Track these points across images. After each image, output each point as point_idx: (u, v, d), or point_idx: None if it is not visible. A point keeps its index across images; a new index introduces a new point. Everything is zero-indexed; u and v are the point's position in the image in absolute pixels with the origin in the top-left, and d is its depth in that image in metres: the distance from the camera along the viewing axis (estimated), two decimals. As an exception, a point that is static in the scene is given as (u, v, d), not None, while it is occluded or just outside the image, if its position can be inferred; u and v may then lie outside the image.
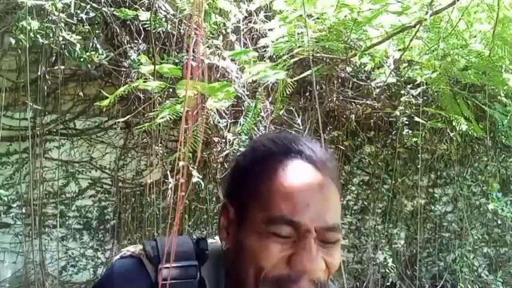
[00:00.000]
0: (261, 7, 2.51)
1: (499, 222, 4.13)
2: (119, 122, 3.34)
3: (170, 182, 2.99)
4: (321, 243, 0.70)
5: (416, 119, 2.82)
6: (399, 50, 2.32)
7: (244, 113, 2.49)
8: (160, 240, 0.78)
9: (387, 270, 3.47)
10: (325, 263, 0.70)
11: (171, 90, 2.35)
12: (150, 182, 3.55)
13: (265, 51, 2.43)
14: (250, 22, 2.61)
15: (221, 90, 1.72)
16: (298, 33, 2.12)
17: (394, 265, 3.51)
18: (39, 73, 3.21)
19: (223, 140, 2.77)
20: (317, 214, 0.70)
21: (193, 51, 2.52)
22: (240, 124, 2.46)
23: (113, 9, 2.70)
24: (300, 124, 2.92)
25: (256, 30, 2.59)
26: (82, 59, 2.66)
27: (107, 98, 2.12)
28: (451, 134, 3.38)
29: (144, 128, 2.42)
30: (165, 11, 2.64)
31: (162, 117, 2.01)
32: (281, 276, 0.69)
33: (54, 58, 3.25)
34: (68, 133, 3.67)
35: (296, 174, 0.72)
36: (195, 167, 2.55)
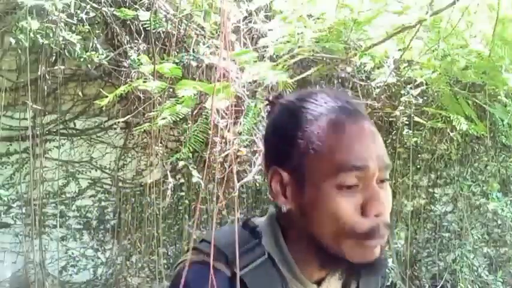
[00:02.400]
0: (261, 7, 2.51)
1: (499, 222, 4.13)
2: (118, 122, 3.34)
3: (170, 182, 2.99)
4: (378, 184, 0.76)
5: (416, 119, 2.82)
6: (399, 50, 2.32)
7: (244, 113, 2.49)
8: (207, 238, 0.79)
9: (387, 270, 3.47)
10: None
11: (171, 90, 2.35)
12: (150, 182, 3.54)
13: (265, 51, 2.43)
14: (250, 22, 2.61)
15: (221, 91, 1.72)
16: (298, 33, 2.12)
17: (394, 265, 3.50)
18: (39, 73, 3.21)
19: (223, 140, 2.77)
20: (377, 156, 0.76)
21: (193, 51, 2.52)
22: (240, 124, 2.46)
23: (113, 9, 2.70)
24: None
25: (256, 30, 2.59)
26: (82, 59, 2.66)
27: (106, 97, 2.12)
28: (451, 134, 3.38)
29: (144, 128, 2.42)
30: (165, 11, 2.63)
31: (163, 118, 2.01)
32: (364, 229, 0.74)
33: (54, 58, 3.25)
34: (68, 133, 3.67)
35: (351, 128, 0.77)
36: (195, 167, 2.55)
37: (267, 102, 0.91)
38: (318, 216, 0.76)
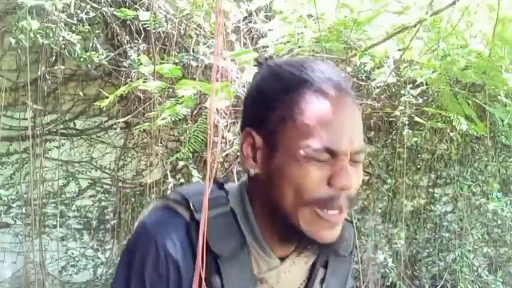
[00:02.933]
0: (261, 7, 2.51)
1: (499, 222, 4.12)
2: (118, 122, 3.34)
3: (170, 182, 2.99)
4: (351, 163, 0.75)
5: (416, 119, 2.81)
6: (399, 50, 2.32)
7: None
8: (178, 189, 0.84)
9: (387, 270, 3.46)
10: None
11: (171, 90, 2.35)
12: (150, 182, 3.54)
13: (265, 51, 2.43)
14: (250, 22, 2.61)
15: (221, 91, 1.72)
16: (298, 33, 2.12)
17: (394, 265, 3.50)
18: (39, 73, 3.21)
19: (223, 140, 2.77)
20: (351, 140, 0.74)
21: (193, 51, 2.52)
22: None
23: (113, 9, 2.70)
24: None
25: (256, 30, 2.59)
26: (82, 59, 2.65)
27: (107, 97, 2.12)
28: (451, 134, 3.38)
29: (144, 128, 2.42)
30: (165, 11, 2.63)
31: (163, 119, 2.01)
32: (323, 196, 0.74)
33: (54, 58, 3.25)
34: (68, 133, 3.67)
35: (333, 103, 0.75)
36: (195, 167, 2.55)
37: (259, 62, 0.87)
38: (282, 183, 0.75)
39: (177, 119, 2.12)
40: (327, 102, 0.75)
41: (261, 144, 0.78)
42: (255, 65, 0.92)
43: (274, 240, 0.81)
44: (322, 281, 0.88)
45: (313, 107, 0.75)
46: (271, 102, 0.78)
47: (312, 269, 0.87)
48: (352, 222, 0.95)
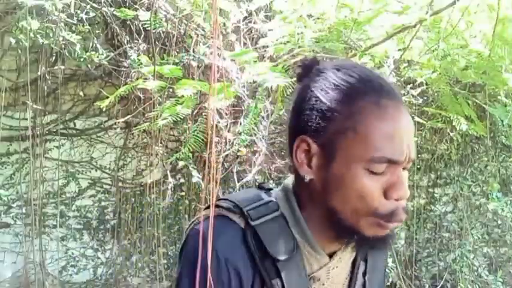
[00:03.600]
0: (261, 7, 2.51)
1: (499, 222, 4.13)
2: (118, 122, 3.34)
3: (170, 182, 2.99)
4: (403, 170, 0.79)
5: (416, 119, 2.81)
6: (399, 50, 2.32)
7: (244, 113, 2.49)
8: (227, 197, 0.85)
9: (387, 270, 3.46)
10: None
11: (171, 90, 2.35)
12: (150, 182, 3.54)
13: (265, 51, 2.43)
14: (250, 22, 2.61)
15: (222, 91, 1.72)
16: (298, 33, 2.12)
17: (394, 265, 3.50)
18: (39, 73, 3.21)
19: (223, 140, 2.77)
20: (409, 149, 0.77)
21: (193, 51, 2.52)
22: (240, 124, 2.46)
23: (113, 9, 2.70)
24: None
25: (256, 30, 2.59)
26: (82, 59, 2.65)
27: (107, 97, 2.12)
28: (451, 134, 3.38)
29: (144, 128, 2.42)
30: (165, 11, 2.63)
31: (164, 119, 2.01)
32: (384, 211, 0.77)
33: (54, 58, 3.25)
34: (68, 133, 3.67)
35: (391, 113, 0.77)
36: (195, 167, 2.55)
37: (300, 65, 0.88)
38: (342, 192, 0.78)
39: (178, 119, 2.12)
40: (387, 113, 0.77)
41: (317, 152, 0.80)
42: (299, 66, 0.91)
43: (323, 239, 0.84)
44: (364, 274, 0.91)
45: (373, 119, 0.76)
46: (331, 112, 0.79)
47: (354, 263, 0.90)
48: None
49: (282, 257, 0.79)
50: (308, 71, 0.86)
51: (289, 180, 0.88)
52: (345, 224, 0.79)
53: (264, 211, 0.81)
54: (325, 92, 0.81)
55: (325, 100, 0.80)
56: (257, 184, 0.91)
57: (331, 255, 0.86)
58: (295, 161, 0.82)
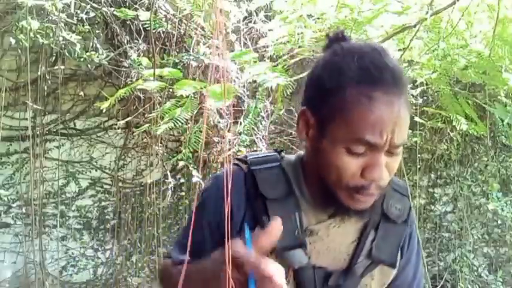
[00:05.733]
0: (261, 7, 2.51)
1: (499, 222, 4.12)
2: (119, 122, 3.33)
3: (170, 182, 2.99)
4: (387, 154, 0.85)
5: (416, 119, 2.82)
6: (399, 50, 2.32)
7: (244, 113, 2.49)
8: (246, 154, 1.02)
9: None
10: (388, 168, 0.86)
11: (171, 90, 2.35)
12: (150, 182, 3.54)
13: (265, 51, 2.43)
14: (250, 22, 2.61)
15: (222, 92, 1.72)
16: (298, 33, 2.12)
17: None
18: (39, 73, 3.21)
19: (223, 140, 2.77)
20: (391, 136, 0.83)
21: (193, 51, 2.52)
22: (240, 124, 2.46)
23: (113, 9, 2.70)
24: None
25: (256, 30, 2.59)
26: (82, 59, 2.65)
27: (106, 98, 2.12)
28: (451, 134, 3.38)
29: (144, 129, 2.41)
30: (165, 11, 2.64)
31: (165, 123, 2.01)
32: (356, 185, 0.85)
33: (54, 58, 3.25)
34: (68, 133, 3.67)
35: (382, 108, 0.82)
36: (195, 167, 2.55)
37: (328, 37, 0.95)
38: (327, 165, 0.86)
39: (179, 123, 2.11)
40: (375, 107, 0.82)
41: (314, 125, 0.90)
42: (327, 36, 0.98)
43: (321, 200, 0.92)
44: (373, 242, 0.96)
45: (362, 110, 0.82)
46: (328, 94, 0.86)
47: (364, 231, 0.96)
48: (408, 196, 1.04)
49: (270, 196, 0.91)
50: (330, 44, 0.93)
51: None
52: (329, 190, 0.88)
53: (264, 161, 0.95)
54: (328, 71, 0.88)
55: (326, 80, 0.87)
56: (274, 149, 1.03)
57: (332, 216, 0.94)
58: (297, 127, 0.93)
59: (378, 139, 0.82)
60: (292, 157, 1.00)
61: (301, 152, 1.00)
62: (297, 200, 0.92)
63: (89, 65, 2.86)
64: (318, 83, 0.89)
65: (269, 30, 2.28)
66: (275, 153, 1.00)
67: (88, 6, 2.75)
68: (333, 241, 0.94)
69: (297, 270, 0.91)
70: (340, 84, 0.84)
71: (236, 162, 0.99)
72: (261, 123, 2.51)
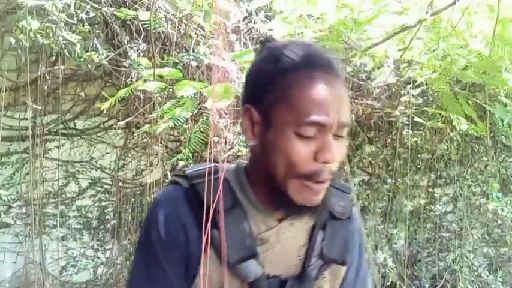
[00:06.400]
0: (261, 7, 2.51)
1: (499, 222, 4.12)
2: (119, 123, 3.34)
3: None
4: (335, 138, 0.85)
5: (417, 119, 2.81)
6: (399, 50, 2.32)
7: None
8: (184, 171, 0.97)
9: (387, 270, 3.47)
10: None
11: (171, 90, 2.35)
12: (150, 182, 3.54)
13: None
14: (250, 22, 2.61)
15: (222, 92, 1.72)
16: (298, 33, 2.12)
17: (394, 265, 3.50)
18: (39, 73, 3.21)
19: (223, 140, 2.77)
20: (337, 113, 0.84)
21: (193, 51, 2.52)
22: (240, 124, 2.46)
23: (113, 9, 2.70)
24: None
25: (256, 30, 2.59)
26: (82, 59, 2.65)
27: (106, 98, 2.12)
28: (451, 134, 3.38)
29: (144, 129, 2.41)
30: (165, 11, 2.63)
31: (165, 122, 2.01)
32: (309, 170, 0.83)
33: (54, 58, 3.24)
34: (68, 133, 3.67)
35: (322, 86, 0.84)
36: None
37: (260, 42, 0.97)
38: (274, 156, 0.85)
39: (179, 122, 2.11)
40: (316, 84, 0.83)
41: (258, 120, 0.88)
42: (257, 43, 1.02)
43: (269, 204, 0.91)
44: (323, 241, 0.96)
45: (304, 89, 0.83)
46: (268, 83, 0.86)
47: (312, 232, 0.96)
48: (349, 192, 1.05)
49: (217, 208, 0.87)
50: (262, 46, 0.94)
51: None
52: (278, 187, 0.86)
53: (204, 174, 0.91)
54: (265, 63, 0.89)
55: (264, 71, 0.88)
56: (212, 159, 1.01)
57: (281, 221, 0.92)
58: (241, 127, 0.91)
59: (324, 118, 0.82)
60: (231, 166, 0.97)
61: (241, 161, 0.99)
62: (244, 209, 0.90)
63: (89, 65, 2.86)
64: (258, 77, 0.90)
65: (269, 30, 2.28)
66: (214, 164, 0.96)
67: (88, 6, 2.75)
68: (284, 247, 0.92)
69: (252, 283, 0.88)
70: (279, 71, 0.86)
71: (174, 179, 0.95)
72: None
